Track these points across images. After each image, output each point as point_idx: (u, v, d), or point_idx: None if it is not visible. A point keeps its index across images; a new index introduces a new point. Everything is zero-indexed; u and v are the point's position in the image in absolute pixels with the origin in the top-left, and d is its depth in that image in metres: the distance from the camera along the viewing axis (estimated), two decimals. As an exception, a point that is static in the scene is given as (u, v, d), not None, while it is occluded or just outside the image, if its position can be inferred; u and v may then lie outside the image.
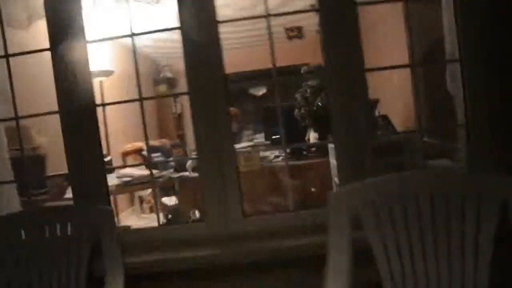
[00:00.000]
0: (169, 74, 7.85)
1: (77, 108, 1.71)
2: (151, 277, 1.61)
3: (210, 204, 1.73)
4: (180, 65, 1.99)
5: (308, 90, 2.68)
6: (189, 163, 2.90)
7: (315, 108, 2.59)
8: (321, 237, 1.60)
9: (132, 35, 1.76)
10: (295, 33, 6.44)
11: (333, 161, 2.39)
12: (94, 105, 1.74)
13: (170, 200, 3.80)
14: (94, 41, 1.79)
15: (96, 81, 4.48)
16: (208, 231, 1.72)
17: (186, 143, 7.59)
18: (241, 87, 7.53)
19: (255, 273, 1.62)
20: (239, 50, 6.44)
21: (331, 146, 2.39)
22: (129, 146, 5.07)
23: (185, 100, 7.97)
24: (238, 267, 1.61)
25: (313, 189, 2.59)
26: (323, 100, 2.51)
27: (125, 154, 5.09)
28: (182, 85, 7.42)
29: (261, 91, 8.56)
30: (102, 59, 4.57)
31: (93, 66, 1.83)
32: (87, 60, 1.72)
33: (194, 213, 2.67)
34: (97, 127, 1.76)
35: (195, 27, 1.69)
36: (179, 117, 8.17)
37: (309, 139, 3.00)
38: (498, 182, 1.25)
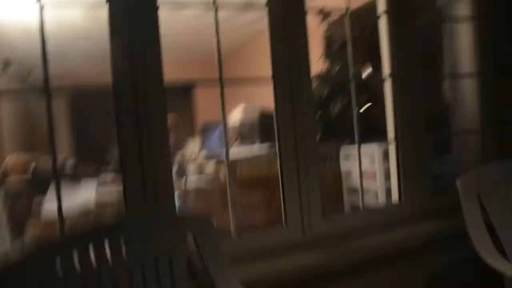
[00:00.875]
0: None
1: None
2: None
3: (291, 207, 1.64)
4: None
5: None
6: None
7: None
8: (400, 231, 1.73)
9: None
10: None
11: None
12: None
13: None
14: None
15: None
16: (290, 237, 1.63)
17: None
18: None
19: (354, 274, 1.59)
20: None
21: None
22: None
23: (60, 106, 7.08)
24: (339, 270, 1.57)
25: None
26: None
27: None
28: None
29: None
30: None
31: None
32: None
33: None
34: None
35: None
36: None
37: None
38: None
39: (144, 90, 1.40)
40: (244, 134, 4.20)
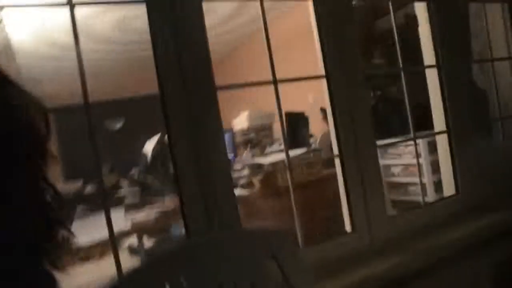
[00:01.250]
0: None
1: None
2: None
3: (357, 212, 1.55)
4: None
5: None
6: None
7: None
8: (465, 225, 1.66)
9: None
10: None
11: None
12: None
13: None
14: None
15: None
16: (359, 243, 1.53)
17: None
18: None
19: (431, 274, 1.52)
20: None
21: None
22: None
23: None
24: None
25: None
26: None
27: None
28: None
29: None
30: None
31: None
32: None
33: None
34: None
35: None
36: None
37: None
38: None
39: (196, 93, 1.28)
40: (254, 140, 4.10)
